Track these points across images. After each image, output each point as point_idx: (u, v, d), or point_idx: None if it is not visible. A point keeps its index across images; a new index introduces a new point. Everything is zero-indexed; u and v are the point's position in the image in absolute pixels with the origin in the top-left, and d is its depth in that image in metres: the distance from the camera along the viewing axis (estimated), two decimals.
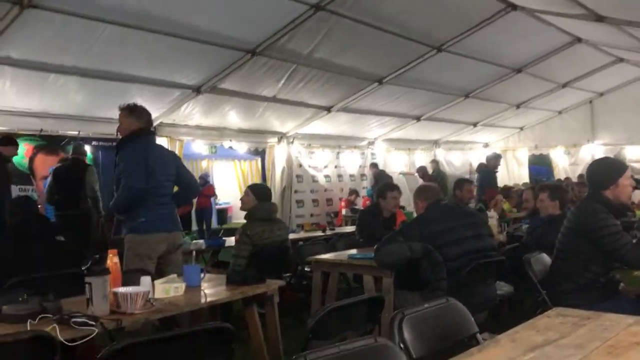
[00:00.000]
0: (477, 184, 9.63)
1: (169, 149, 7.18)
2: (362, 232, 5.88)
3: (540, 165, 16.58)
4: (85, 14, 5.25)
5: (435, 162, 12.94)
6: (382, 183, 7.04)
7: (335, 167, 11.94)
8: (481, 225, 4.22)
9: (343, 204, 11.70)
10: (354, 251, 5.04)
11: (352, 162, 12.29)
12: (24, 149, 7.82)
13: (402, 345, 2.07)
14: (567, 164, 14.04)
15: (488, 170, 10.40)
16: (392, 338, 2.07)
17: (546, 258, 3.90)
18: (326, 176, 11.70)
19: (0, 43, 5.27)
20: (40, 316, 2.41)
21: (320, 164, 11.51)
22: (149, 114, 4.34)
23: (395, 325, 2.12)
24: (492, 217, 6.19)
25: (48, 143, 7.03)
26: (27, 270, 3.32)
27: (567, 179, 13.04)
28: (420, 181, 11.17)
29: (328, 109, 9.43)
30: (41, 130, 6.98)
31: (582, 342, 1.97)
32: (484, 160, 11.08)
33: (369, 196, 11.59)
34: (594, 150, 13.00)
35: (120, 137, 4.31)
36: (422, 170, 12.18)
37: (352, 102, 9.30)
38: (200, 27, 6.04)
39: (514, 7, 7.16)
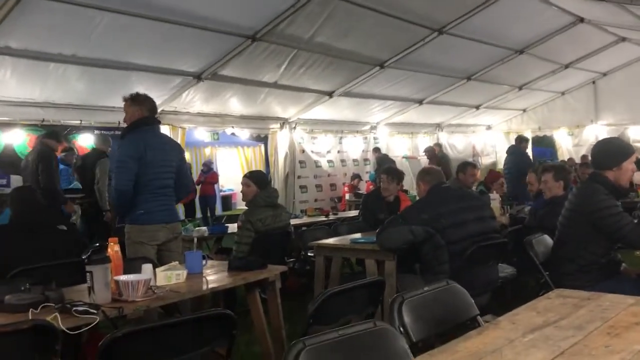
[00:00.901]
0: (510, 165, 9.57)
1: (171, 136, 7.20)
2: (366, 217, 5.88)
3: (543, 147, 16.52)
4: (84, 2, 5.22)
5: (438, 145, 12.91)
6: (386, 166, 7.04)
7: (338, 152, 11.92)
8: (483, 208, 4.22)
9: (346, 189, 11.70)
10: (357, 235, 5.04)
11: (354, 147, 12.27)
12: (27, 139, 7.86)
13: (401, 329, 2.06)
14: (570, 145, 13.99)
15: (521, 150, 10.25)
16: (392, 322, 2.07)
17: (548, 239, 3.90)
18: (329, 161, 11.69)
19: (0, 33, 5.25)
20: (42, 305, 2.42)
21: (323, 149, 11.50)
22: (152, 102, 4.31)
23: (395, 308, 2.12)
24: (495, 199, 6.19)
25: (50, 133, 7.03)
26: (30, 260, 3.34)
27: (570, 159, 13.02)
28: (424, 164, 11.15)
29: (330, 94, 9.40)
30: (43, 120, 6.98)
31: (582, 323, 1.98)
32: (489, 143, 10.97)
33: (372, 180, 11.59)
34: (598, 131, 12.94)
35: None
36: (429, 152, 12.15)
37: (353, 86, 9.26)
38: (200, 13, 6.00)
39: None
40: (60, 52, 5.96)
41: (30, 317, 2.28)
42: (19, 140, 7.92)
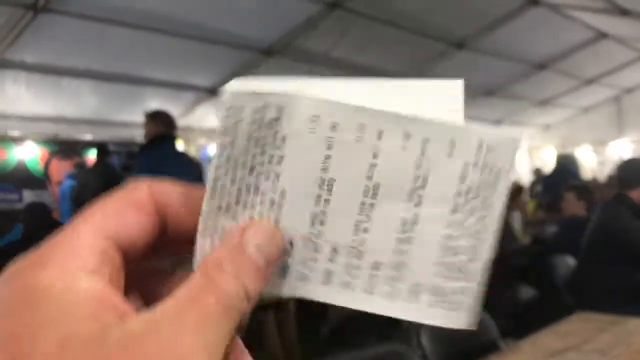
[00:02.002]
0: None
1: (185, 152, 7.17)
2: None
3: (568, 165, 16.27)
4: (98, 17, 5.24)
5: None
6: None
7: None
8: (504, 227, 4.08)
9: None
10: None
11: None
12: (39, 154, 7.87)
13: (420, 352, 2.04)
14: (594, 162, 13.76)
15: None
16: (410, 344, 2.04)
17: (571, 261, 3.78)
18: None
19: (15, 48, 5.28)
20: None
21: None
22: (169, 118, 4.32)
23: (413, 331, 2.10)
24: (517, 218, 6.03)
25: (63, 148, 7.05)
26: None
27: (593, 179, 12.78)
28: None
29: None
30: (55, 135, 6.99)
31: (605, 348, 1.89)
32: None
33: None
34: (622, 148, 12.71)
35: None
36: None
37: None
38: (214, 28, 5.98)
39: (536, 2, 7.01)
40: (75, 67, 5.97)
41: None
42: (31, 155, 7.93)
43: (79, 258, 0.27)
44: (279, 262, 0.30)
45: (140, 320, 0.26)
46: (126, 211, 0.30)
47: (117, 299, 0.27)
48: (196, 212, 0.31)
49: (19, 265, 0.28)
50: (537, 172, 12.79)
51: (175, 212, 0.32)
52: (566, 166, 9.97)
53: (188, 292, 0.27)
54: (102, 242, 0.28)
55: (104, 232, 0.29)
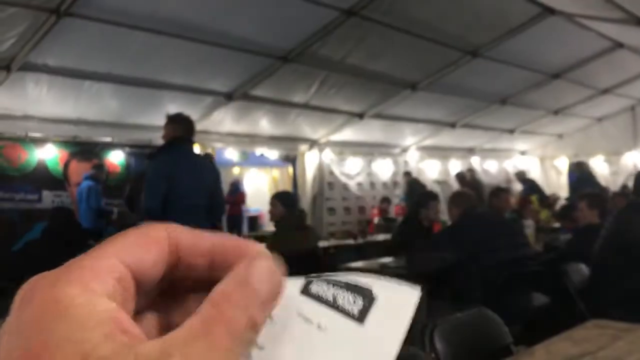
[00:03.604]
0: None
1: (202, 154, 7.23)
2: (400, 241, 5.77)
3: (581, 174, 16.14)
4: (120, 22, 5.32)
5: (471, 170, 12.73)
6: (423, 192, 6.93)
7: (368, 174, 11.83)
8: (517, 234, 4.10)
9: (375, 212, 11.58)
10: (386, 259, 4.94)
11: (384, 170, 12.16)
12: (58, 155, 7.98)
13: (433, 355, 2.03)
14: (607, 172, 13.65)
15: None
16: (423, 348, 2.03)
17: (584, 268, 3.77)
18: (358, 184, 11.60)
19: (38, 51, 5.37)
20: None
21: (352, 172, 11.42)
22: (188, 122, 4.36)
23: (427, 334, 2.08)
24: (529, 226, 6.03)
25: (82, 149, 7.14)
26: None
27: (605, 188, 12.68)
28: (456, 189, 10.98)
29: (360, 116, 9.35)
30: (75, 136, 7.07)
31: (621, 355, 1.87)
32: (523, 169, 10.79)
33: (402, 204, 11.45)
34: (636, 159, 12.61)
35: None
36: (461, 177, 11.98)
37: (385, 108, 9.20)
38: (232, 34, 6.05)
39: (552, 11, 6.98)
40: (96, 70, 6.06)
41: None
42: (51, 156, 8.04)
43: (100, 279, 0.29)
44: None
45: (152, 347, 0.27)
46: (145, 244, 0.32)
47: (129, 323, 0.28)
48: (205, 254, 0.33)
49: (44, 279, 0.29)
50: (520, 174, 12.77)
51: (187, 252, 0.33)
52: (587, 174, 9.93)
53: (198, 322, 0.28)
54: (121, 268, 0.30)
55: (124, 259, 0.31)
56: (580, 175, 9.79)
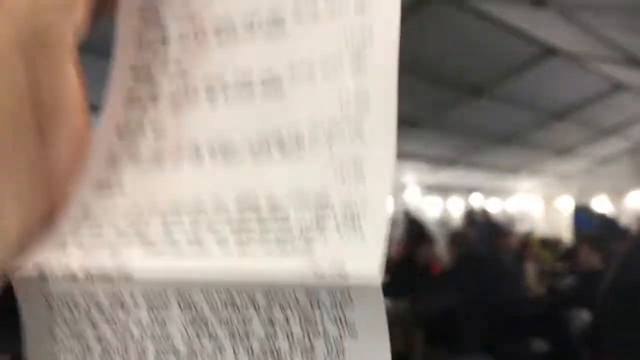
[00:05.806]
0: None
1: None
2: (396, 283, 5.61)
3: (585, 215, 16.06)
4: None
5: (471, 208, 12.64)
6: (418, 230, 6.81)
7: None
8: (518, 278, 3.99)
9: None
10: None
11: None
12: None
13: None
14: (610, 213, 13.54)
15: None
16: None
17: (586, 315, 3.67)
18: None
19: None
20: None
21: None
22: None
23: None
24: (531, 269, 5.90)
25: None
26: None
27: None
28: (456, 228, 10.87)
29: None
30: None
31: None
32: (525, 209, 10.70)
33: (401, 242, 11.32)
34: None
35: None
36: (462, 215, 11.89)
37: None
38: None
39: (555, 52, 7.01)
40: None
41: None
42: None
43: None
44: None
45: None
46: None
47: None
48: None
49: None
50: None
51: None
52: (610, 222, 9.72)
53: None
54: None
55: None
56: (601, 221, 9.55)
